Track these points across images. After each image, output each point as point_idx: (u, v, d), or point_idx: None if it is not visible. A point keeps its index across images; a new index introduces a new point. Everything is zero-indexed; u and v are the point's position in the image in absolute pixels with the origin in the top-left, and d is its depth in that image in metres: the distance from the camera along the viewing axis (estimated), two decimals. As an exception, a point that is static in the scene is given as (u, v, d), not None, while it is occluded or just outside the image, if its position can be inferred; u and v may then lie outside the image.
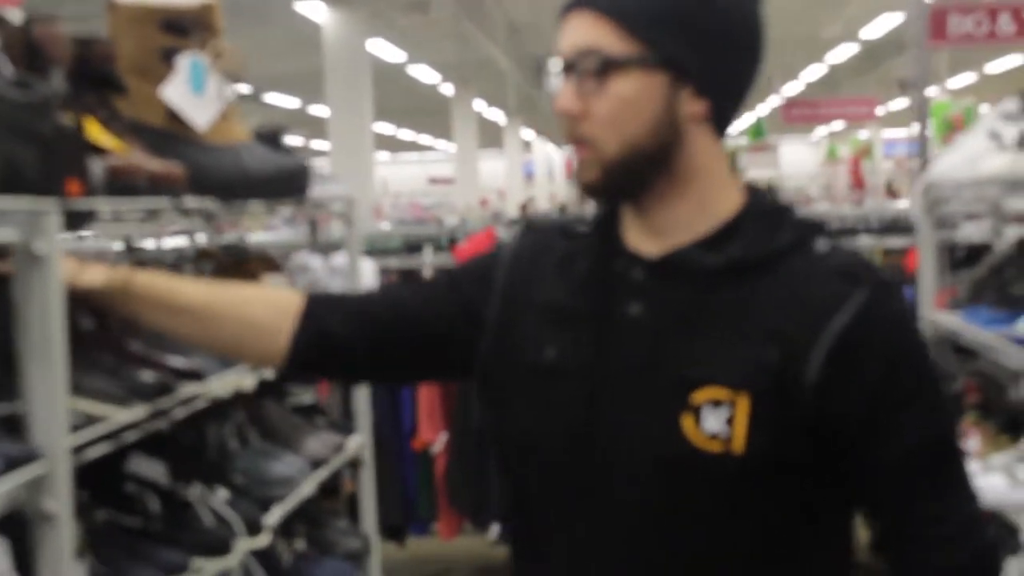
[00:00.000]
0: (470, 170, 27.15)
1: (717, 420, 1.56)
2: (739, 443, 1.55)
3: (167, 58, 2.64)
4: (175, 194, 2.35)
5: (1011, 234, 3.76)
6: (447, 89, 27.13)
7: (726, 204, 1.67)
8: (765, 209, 1.68)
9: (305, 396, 3.67)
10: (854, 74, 27.86)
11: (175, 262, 3.09)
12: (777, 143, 26.31)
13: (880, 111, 24.43)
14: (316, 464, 3.32)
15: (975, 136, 3.35)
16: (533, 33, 23.52)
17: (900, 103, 28.71)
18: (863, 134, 30.12)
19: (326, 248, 4.27)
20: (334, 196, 3.38)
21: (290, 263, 4.09)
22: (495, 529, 5.63)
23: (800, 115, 22.69)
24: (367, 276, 4.30)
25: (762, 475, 1.57)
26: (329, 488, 3.65)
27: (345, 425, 3.88)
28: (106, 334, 2.37)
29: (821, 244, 1.64)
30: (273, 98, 29.27)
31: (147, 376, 2.28)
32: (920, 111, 5.83)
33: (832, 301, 1.57)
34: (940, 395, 1.67)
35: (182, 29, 2.66)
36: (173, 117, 2.64)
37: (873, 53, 25.39)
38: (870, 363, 1.57)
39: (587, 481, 1.65)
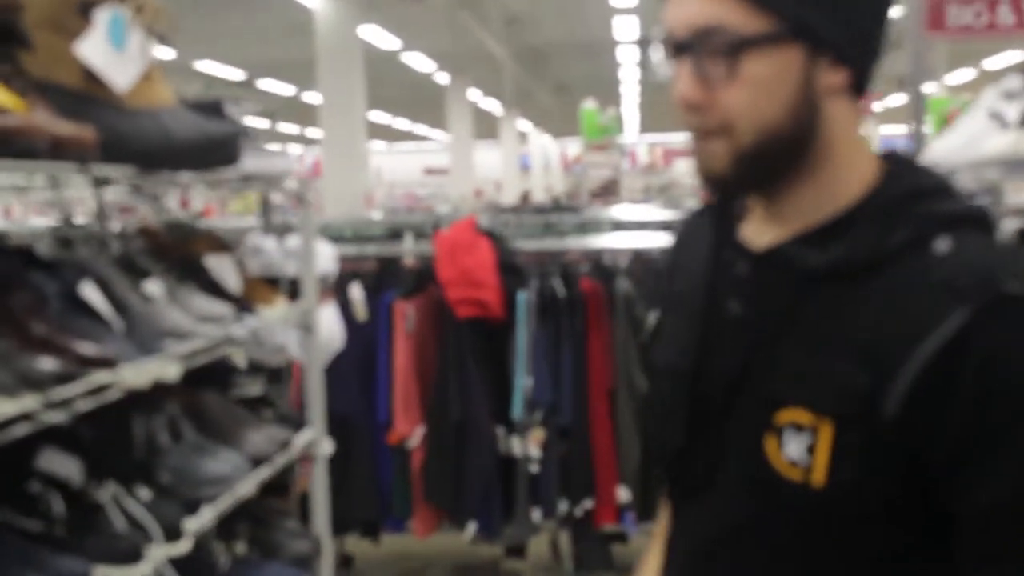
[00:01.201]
0: (465, 160, 26.94)
1: (798, 446, 1.39)
2: (819, 475, 1.38)
3: (84, 12, 2.38)
4: (84, 160, 2.10)
5: (1010, 225, 3.54)
6: (442, 78, 26.92)
7: (854, 186, 1.46)
8: (896, 194, 1.44)
9: (252, 387, 3.42)
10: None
11: (101, 239, 2.86)
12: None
13: (878, 107, 24.23)
14: (258, 461, 3.07)
15: (974, 116, 3.11)
16: (530, 24, 23.34)
17: (898, 99, 28.58)
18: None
19: (281, 230, 4.04)
20: (270, 170, 3.12)
21: (243, 245, 3.86)
22: (472, 528, 5.43)
23: (797, 109, 22.42)
24: (323, 261, 4.06)
25: (844, 514, 1.40)
26: (279, 486, 3.40)
27: (296, 419, 3.62)
28: (7, 315, 2.13)
29: (941, 244, 1.37)
30: (267, 84, 29.09)
31: (45, 363, 2.04)
32: (916, 105, 5.58)
33: (927, 320, 1.32)
34: None
35: (101, -20, 2.41)
36: (90, 77, 2.38)
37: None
38: (959, 399, 1.31)
39: (690, 491, 1.58)
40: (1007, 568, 1.33)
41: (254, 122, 35.10)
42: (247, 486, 2.96)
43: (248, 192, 3.95)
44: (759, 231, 1.53)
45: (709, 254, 1.59)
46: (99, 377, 2.20)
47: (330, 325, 4.35)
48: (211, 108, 2.80)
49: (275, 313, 3.37)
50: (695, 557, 1.58)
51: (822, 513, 1.40)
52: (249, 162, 2.86)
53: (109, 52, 2.36)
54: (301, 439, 3.48)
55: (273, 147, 3.36)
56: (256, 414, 3.34)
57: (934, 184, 1.46)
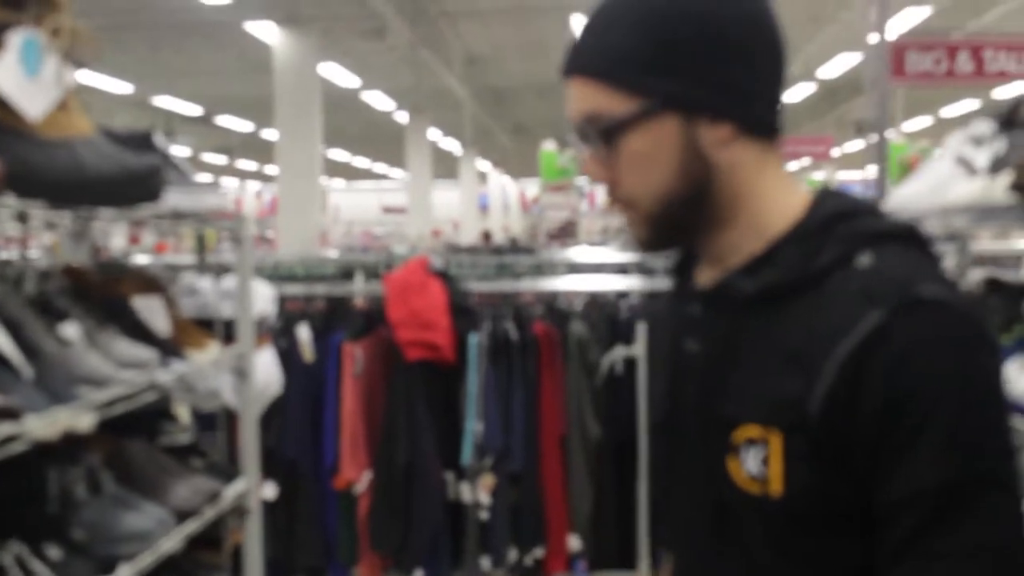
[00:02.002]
0: (423, 199, 26.79)
1: (755, 460, 1.45)
2: (776, 485, 1.43)
3: (-4, 35, 2.22)
4: (-13, 193, 1.94)
5: (977, 274, 3.44)
6: (402, 117, 26.83)
7: (780, 219, 1.53)
8: (820, 218, 1.50)
9: (181, 435, 3.25)
10: (811, 115, 27.87)
11: (17, 278, 2.68)
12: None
13: (836, 153, 24.42)
14: (184, 515, 2.89)
15: (939, 162, 3.00)
16: (492, 65, 23.35)
17: (856, 145, 28.84)
18: (818, 175, 30.11)
19: (218, 269, 3.88)
20: (199, 206, 2.95)
21: (178, 285, 3.69)
22: (418, 575, 5.29)
23: (756, 153, 22.43)
24: (261, 302, 3.90)
25: (806, 521, 1.43)
26: (210, 539, 3.23)
27: (227, 469, 3.44)
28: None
29: (864, 259, 1.44)
30: (225, 120, 28.95)
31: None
32: (879, 151, 5.51)
33: (843, 325, 1.38)
34: (968, 445, 1.34)
35: (15, 1, 2.24)
36: (1, 105, 2.23)
37: (831, 94, 25.41)
38: (871, 398, 1.35)
39: (672, 528, 1.68)
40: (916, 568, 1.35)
41: (212, 157, 35.00)
42: (172, 541, 2.78)
43: (183, 229, 3.83)
44: (707, 273, 1.61)
45: (673, 303, 1.71)
46: (2, 429, 2.03)
47: (267, 370, 4.20)
48: (139, 140, 2.64)
49: (207, 357, 3.20)
50: None
51: (786, 523, 1.44)
52: (174, 198, 2.70)
53: (21, 78, 2.20)
54: (233, 490, 3.30)
55: (206, 180, 3.19)
56: (185, 464, 3.17)
57: (857, 206, 1.52)
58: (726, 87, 1.49)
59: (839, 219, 1.49)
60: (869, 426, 1.35)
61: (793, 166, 30.29)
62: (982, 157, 2.75)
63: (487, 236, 23.65)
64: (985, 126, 2.84)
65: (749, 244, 1.53)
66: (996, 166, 2.63)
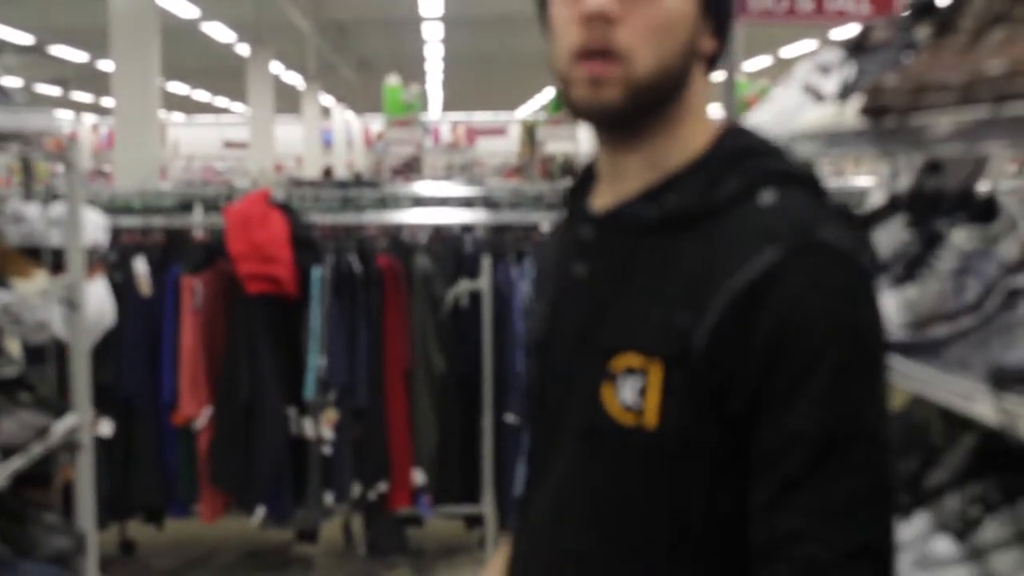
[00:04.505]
0: (265, 134, 26.33)
1: (632, 390, 1.42)
2: (651, 417, 1.41)
3: None
4: None
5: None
6: (243, 49, 26.31)
7: (692, 147, 1.51)
8: (728, 151, 1.49)
9: (8, 368, 3.11)
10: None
11: None
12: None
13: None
14: (9, 451, 2.78)
15: (786, 91, 3.02)
16: (335, -3, 23.00)
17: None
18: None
19: (46, 196, 3.72)
20: (25, 128, 2.79)
21: (2, 212, 3.54)
22: (261, 512, 5.26)
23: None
24: (93, 230, 3.75)
25: (678, 457, 1.41)
26: (38, 476, 3.11)
27: (58, 404, 3.32)
28: None
29: (767, 196, 1.43)
30: (59, 51, 28.07)
31: None
32: (727, 87, 5.56)
33: (739, 259, 1.37)
34: (854, 395, 1.35)
35: None
36: None
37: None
38: (758, 337, 1.35)
39: (543, 455, 1.61)
40: (798, 515, 1.33)
41: (46, 89, 33.96)
42: (-4, 479, 2.67)
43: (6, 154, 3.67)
44: (604, 196, 1.56)
45: (564, 229, 1.67)
46: None
47: (99, 301, 4.07)
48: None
49: (33, 287, 3.07)
50: (542, 527, 1.58)
51: (656, 457, 1.41)
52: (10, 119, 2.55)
53: None
54: (62, 425, 3.18)
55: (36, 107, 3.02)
56: (12, 398, 3.04)
57: (764, 145, 1.50)
58: (726, 13, 1.52)
59: (745, 155, 1.48)
60: (752, 365, 1.35)
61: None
62: (830, 84, 2.76)
63: (328, 172, 23.38)
64: (832, 54, 2.85)
65: (662, 164, 1.50)
66: (845, 92, 2.64)
